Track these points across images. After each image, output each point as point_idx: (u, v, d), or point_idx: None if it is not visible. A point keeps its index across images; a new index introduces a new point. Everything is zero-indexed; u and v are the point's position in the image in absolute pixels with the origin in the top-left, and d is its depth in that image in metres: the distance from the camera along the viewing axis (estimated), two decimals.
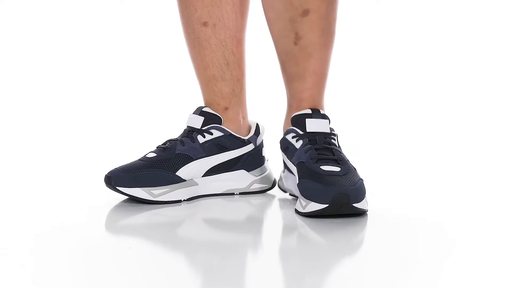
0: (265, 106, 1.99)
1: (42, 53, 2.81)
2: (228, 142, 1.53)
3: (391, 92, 2.71)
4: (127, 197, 1.47)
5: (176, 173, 1.48)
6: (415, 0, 2.84)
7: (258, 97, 1.83)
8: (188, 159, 1.50)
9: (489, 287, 1.03)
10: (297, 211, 1.38)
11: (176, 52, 2.05)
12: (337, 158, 1.39)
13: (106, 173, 1.46)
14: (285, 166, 1.50)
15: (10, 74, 2.77)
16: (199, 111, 1.54)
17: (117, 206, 1.46)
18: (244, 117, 1.57)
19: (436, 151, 2.09)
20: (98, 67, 2.78)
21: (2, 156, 2.06)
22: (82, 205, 1.49)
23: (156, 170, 1.47)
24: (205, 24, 1.51)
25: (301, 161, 1.41)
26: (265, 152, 1.58)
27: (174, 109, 2.23)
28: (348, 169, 1.37)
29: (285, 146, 1.48)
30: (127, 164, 1.48)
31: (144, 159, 1.48)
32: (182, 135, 1.54)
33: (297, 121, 1.47)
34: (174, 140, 1.52)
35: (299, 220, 1.35)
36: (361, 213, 1.35)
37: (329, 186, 1.33)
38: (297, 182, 1.39)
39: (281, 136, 1.51)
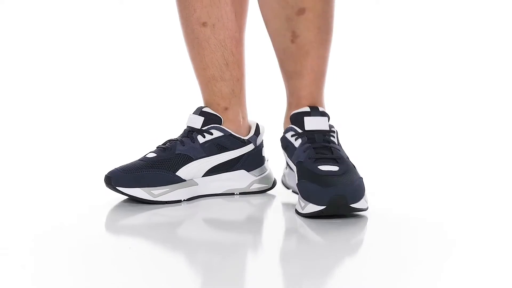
0: (265, 106, 1.99)
1: (42, 53, 2.80)
2: (228, 142, 1.53)
3: (392, 90, 2.71)
4: (127, 197, 1.47)
5: (176, 173, 1.48)
6: None
7: (258, 97, 1.83)
8: (188, 159, 1.50)
9: (489, 287, 1.03)
10: (297, 212, 1.38)
11: (175, 52, 2.05)
12: (336, 157, 1.39)
13: (106, 173, 1.46)
14: (287, 163, 1.50)
15: (10, 74, 2.76)
16: (199, 111, 1.54)
17: (117, 206, 1.46)
18: (244, 117, 1.57)
19: (437, 151, 2.09)
20: (98, 67, 2.78)
21: (2, 156, 2.06)
22: (82, 205, 1.49)
23: (156, 170, 1.47)
24: (204, 24, 1.51)
25: (300, 161, 1.40)
26: (265, 152, 1.58)
27: (174, 109, 2.23)
28: (346, 168, 1.37)
29: (285, 145, 1.48)
30: (127, 164, 1.48)
31: (144, 159, 1.48)
32: (182, 135, 1.54)
33: (296, 119, 1.47)
34: (174, 140, 1.52)
35: (299, 220, 1.35)
36: (361, 211, 1.35)
37: (327, 188, 1.32)
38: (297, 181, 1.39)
39: (281, 135, 1.51)
